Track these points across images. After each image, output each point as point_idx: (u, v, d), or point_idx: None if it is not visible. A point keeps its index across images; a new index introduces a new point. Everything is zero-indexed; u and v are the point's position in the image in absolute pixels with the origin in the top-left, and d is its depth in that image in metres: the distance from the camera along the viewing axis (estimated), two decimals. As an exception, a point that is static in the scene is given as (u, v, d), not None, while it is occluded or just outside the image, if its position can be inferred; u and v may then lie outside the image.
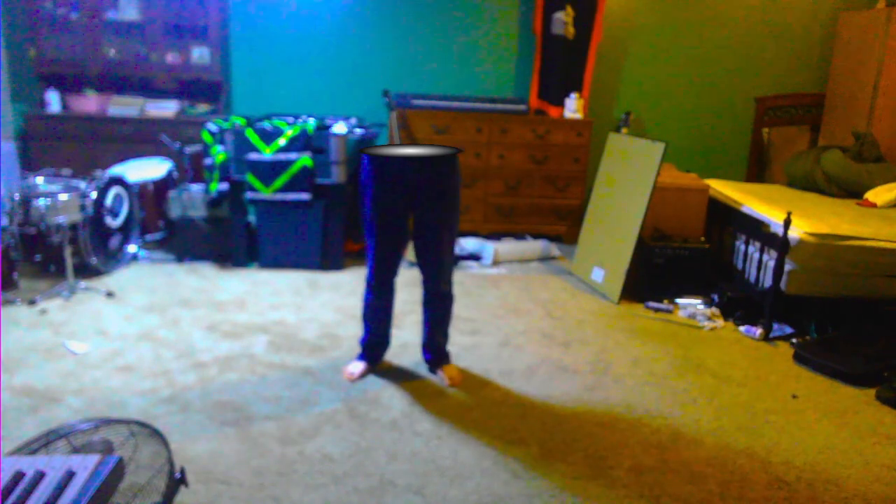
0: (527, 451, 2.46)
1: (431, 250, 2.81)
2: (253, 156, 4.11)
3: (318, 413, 2.64)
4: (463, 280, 4.26)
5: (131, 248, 4.27)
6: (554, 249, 4.89)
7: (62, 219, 3.60)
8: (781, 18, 5.48)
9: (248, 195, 4.19)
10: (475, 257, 4.72)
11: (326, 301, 3.82)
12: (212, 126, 4.25)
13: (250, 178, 4.13)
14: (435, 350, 3.01)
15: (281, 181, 4.13)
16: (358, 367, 2.96)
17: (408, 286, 3.66)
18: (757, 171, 5.76)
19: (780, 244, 3.48)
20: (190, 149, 4.52)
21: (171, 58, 4.94)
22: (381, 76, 5.24)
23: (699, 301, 3.99)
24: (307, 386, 2.85)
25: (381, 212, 2.73)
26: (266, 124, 4.22)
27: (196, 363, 3.01)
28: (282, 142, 4.12)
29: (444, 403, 2.77)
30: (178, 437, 2.41)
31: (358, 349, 3.03)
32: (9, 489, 1.30)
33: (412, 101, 4.94)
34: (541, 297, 4.06)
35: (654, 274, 4.01)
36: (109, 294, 3.71)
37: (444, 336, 3.01)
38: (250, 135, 4.11)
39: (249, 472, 2.26)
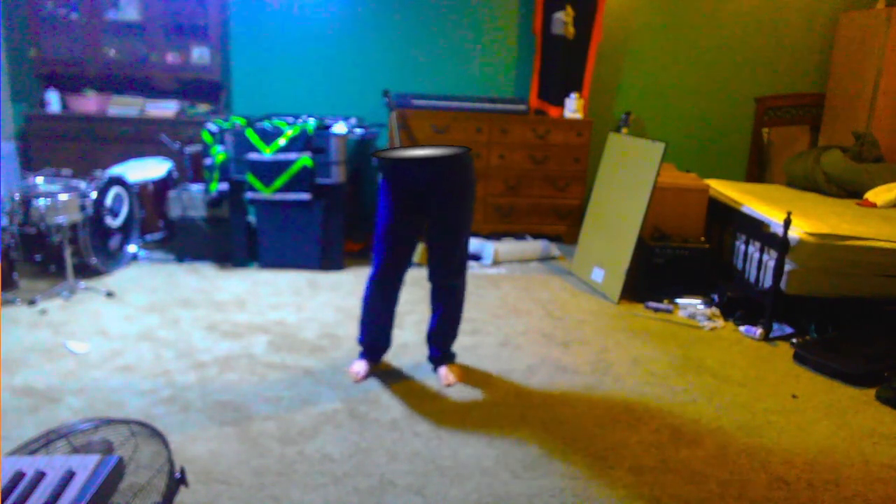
0: (527, 451, 2.46)
1: (447, 249, 2.78)
2: (253, 156, 4.11)
3: (318, 413, 2.64)
4: (463, 280, 4.27)
5: (131, 248, 4.27)
6: (554, 249, 4.89)
7: (62, 219, 3.60)
8: (781, 18, 5.48)
9: (248, 195, 4.19)
10: (475, 257, 4.72)
11: (326, 301, 3.82)
12: (212, 126, 4.26)
13: (250, 178, 4.13)
14: (440, 346, 2.98)
15: (281, 181, 4.13)
16: (361, 366, 2.96)
17: (408, 286, 3.63)
18: (757, 171, 5.76)
19: (780, 244, 3.48)
20: (190, 149, 4.53)
21: (171, 58, 4.94)
22: (381, 76, 5.24)
23: (699, 301, 4.00)
24: (307, 386, 2.85)
25: (395, 213, 2.71)
26: (266, 124, 4.22)
27: (196, 363, 3.01)
28: (282, 142, 4.12)
29: (444, 403, 2.77)
30: (178, 437, 2.41)
31: (358, 348, 3.02)
32: (9, 489, 1.30)
33: (412, 101, 4.94)
34: (541, 297, 4.06)
35: (654, 274, 4.01)
36: (109, 294, 3.71)
37: (451, 332, 2.97)
38: (250, 135, 4.11)
39: (249, 472, 2.26)
